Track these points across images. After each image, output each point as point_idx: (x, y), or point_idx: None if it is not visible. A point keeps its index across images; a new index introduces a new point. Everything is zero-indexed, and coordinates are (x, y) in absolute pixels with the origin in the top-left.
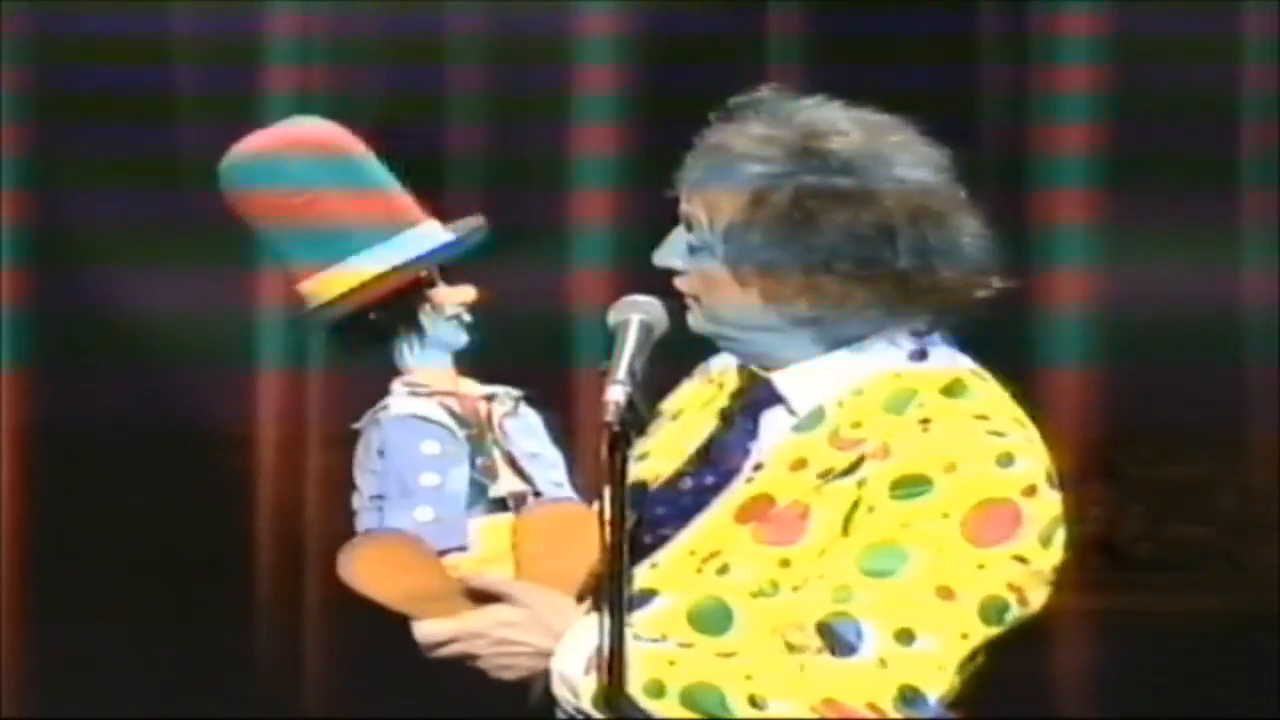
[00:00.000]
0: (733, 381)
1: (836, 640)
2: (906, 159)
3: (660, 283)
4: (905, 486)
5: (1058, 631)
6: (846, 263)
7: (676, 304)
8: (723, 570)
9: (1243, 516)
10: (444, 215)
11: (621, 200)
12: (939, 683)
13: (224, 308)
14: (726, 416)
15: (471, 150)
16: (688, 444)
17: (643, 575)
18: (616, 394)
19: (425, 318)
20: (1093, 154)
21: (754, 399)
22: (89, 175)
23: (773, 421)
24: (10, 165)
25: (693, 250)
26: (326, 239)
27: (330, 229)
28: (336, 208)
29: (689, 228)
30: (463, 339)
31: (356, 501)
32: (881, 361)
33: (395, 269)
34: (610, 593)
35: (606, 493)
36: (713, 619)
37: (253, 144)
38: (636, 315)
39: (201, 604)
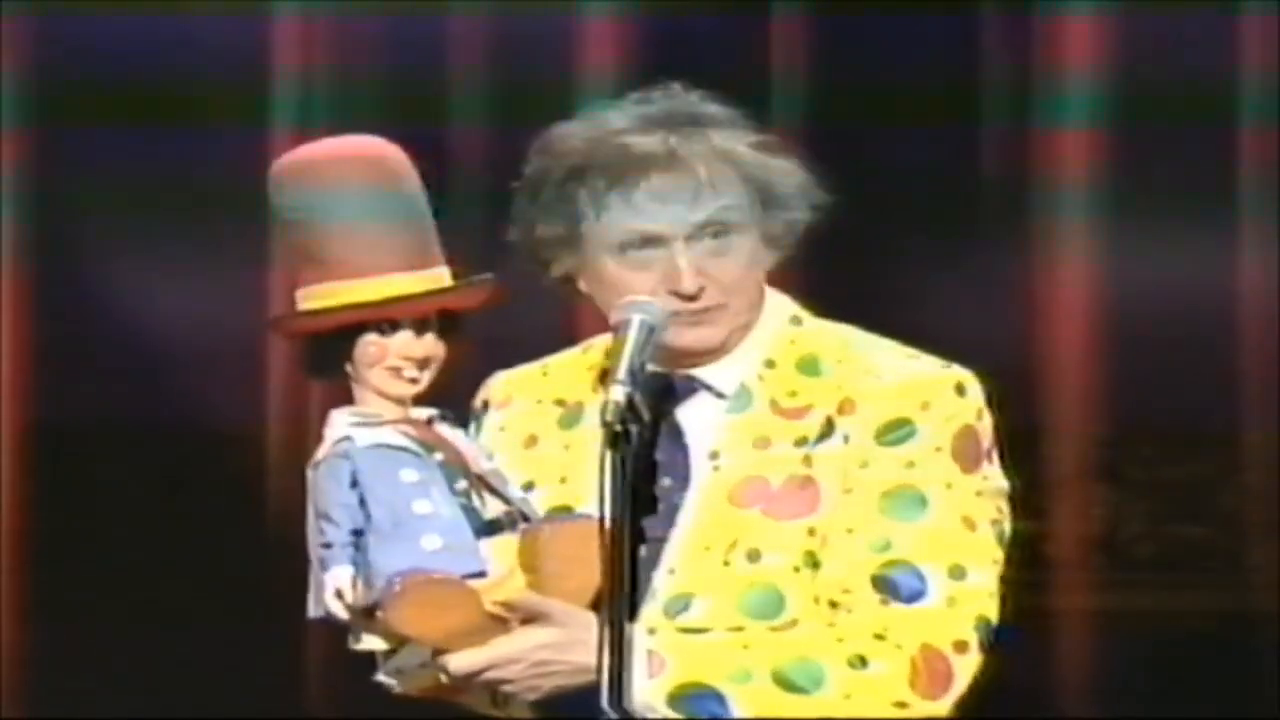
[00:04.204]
0: (583, 392)
1: (898, 589)
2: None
3: None
4: (891, 432)
5: (1058, 631)
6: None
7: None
8: (754, 556)
9: (1243, 516)
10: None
11: None
12: (996, 609)
13: (227, 307)
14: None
15: (472, 151)
16: (588, 464)
17: (667, 584)
18: (617, 394)
19: (361, 363)
20: (1094, 155)
21: (660, 399)
22: (92, 172)
23: (692, 413)
24: (12, 165)
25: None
26: (317, 261)
27: (320, 256)
28: (327, 240)
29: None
30: (402, 390)
31: (327, 536)
32: (769, 328)
33: (329, 309)
34: (614, 587)
35: (607, 492)
36: (767, 605)
37: (290, 159)
38: (637, 315)
39: (202, 604)
